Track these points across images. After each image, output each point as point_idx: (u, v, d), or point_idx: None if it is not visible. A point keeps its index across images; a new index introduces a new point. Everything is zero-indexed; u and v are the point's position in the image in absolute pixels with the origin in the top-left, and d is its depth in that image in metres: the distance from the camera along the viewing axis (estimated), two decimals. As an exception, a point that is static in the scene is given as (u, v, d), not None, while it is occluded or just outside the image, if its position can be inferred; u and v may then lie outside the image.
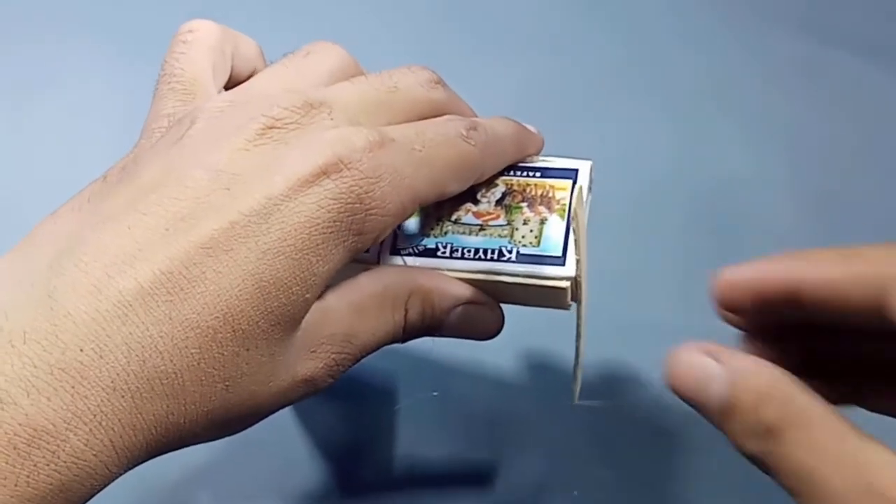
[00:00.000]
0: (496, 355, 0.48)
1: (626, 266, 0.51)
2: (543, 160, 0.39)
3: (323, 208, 0.30)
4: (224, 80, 0.37)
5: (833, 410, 0.27)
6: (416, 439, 0.46)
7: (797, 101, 0.59)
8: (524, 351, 0.48)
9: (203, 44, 0.36)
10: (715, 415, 0.29)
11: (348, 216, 0.31)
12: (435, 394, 0.46)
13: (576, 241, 0.34)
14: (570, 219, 0.33)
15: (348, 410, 0.47)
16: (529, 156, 0.39)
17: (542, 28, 0.62)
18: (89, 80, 0.55)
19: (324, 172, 0.31)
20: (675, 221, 0.53)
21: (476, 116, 0.39)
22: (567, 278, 0.36)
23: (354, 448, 0.46)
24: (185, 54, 0.36)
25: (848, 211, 0.54)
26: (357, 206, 0.31)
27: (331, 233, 0.31)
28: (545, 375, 0.48)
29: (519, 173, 0.39)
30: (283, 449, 0.45)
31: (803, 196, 0.54)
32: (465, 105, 0.39)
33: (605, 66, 0.60)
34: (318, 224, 0.30)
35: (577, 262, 0.35)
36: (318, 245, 0.31)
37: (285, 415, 0.45)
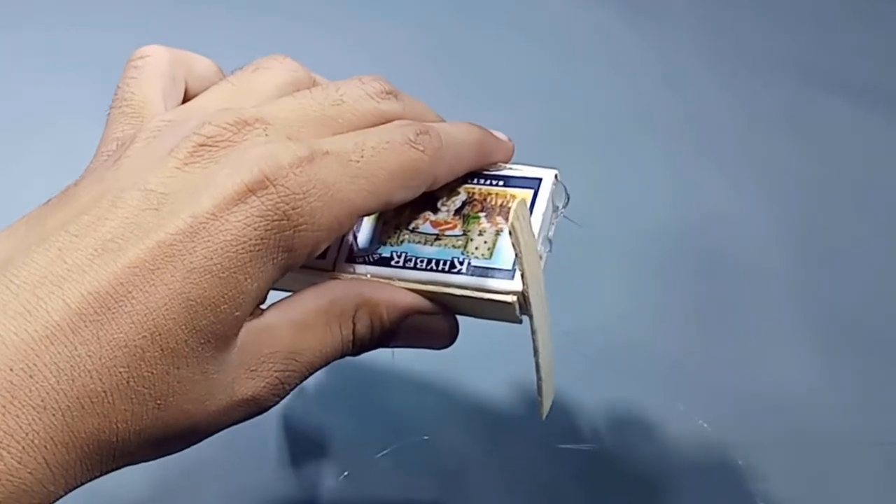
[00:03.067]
0: (490, 397, 0.48)
1: (610, 306, 0.51)
2: (510, 168, 0.39)
3: (249, 226, 0.31)
4: (177, 102, 0.37)
5: None
6: (404, 485, 0.46)
7: (782, 143, 0.59)
8: (519, 393, 0.48)
9: (154, 68, 0.37)
10: None
11: (276, 233, 0.31)
12: (425, 437, 0.47)
13: (517, 254, 0.33)
14: (510, 233, 0.32)
15: (336, 451, 0.47)
16: (496, 163, 0.39)
17: (528, 73, 0.63)
18: (77, 116, 0.56)
19: (250, 190, 0.31)
20: (660, 262, 0.53)
21: (443, 122, 0.39)
22: (514, 292, 0.35)
23: (341, 491, 0.46)
24: (136, 79, 0.36)
25: (832, 252, 0.54)
26: (284, 223, 0.31)
27: (258, 250, 0.31)
28: (539, 418, 0.48)
29: (482, 181, 0.38)
30: (265, 491, 0.46)
31: (787, 237, 0.54)
32: (428, 112, 0.39)
33: (592, 110, 0.61)
34: (245, 242, 0.31)
35: (522, 275, 0.34)
36: (245, 263, 0.31)
37: (266, 458, 0.46)
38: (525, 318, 0.36)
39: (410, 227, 0.37)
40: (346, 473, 0.46)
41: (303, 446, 0.46)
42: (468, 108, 0.58)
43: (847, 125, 0.61)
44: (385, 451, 0.46)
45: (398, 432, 0.47)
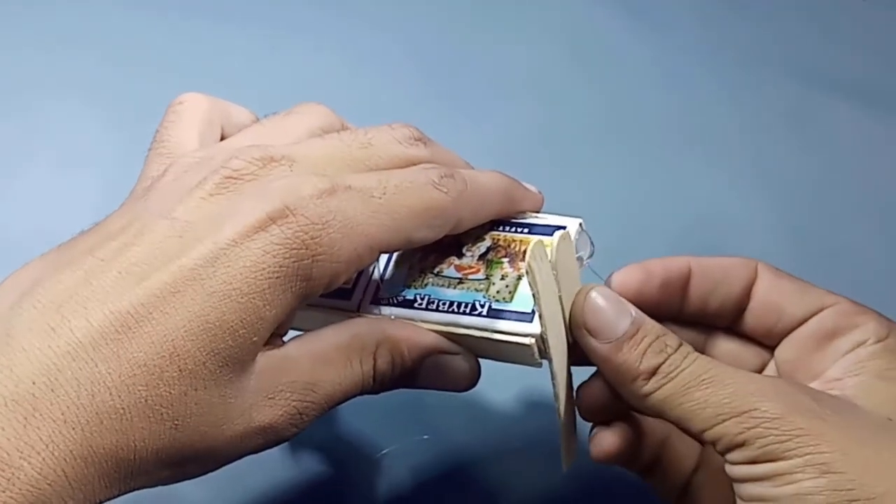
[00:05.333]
0: (490, 397, 0.48)
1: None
2: (535, 217, 0.39)
3: (268, 253, 0.32)
4: (213, 144, 0.39)
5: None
6: (404, 484, 0.46)
7: (781, 144, 0.60)
8: (519, 393, 0.48)
9: (191, 114, 0.38)
10: (623, 338, 0.35)
11: (294, 262, 0.32)
12: (426, 437, 0.47)
13: (534, 294, 0.33)
14: (526, 272, 0.33)
15: (336, 450, 0.47)
16: (523, 212, 0.40)
17: (527, 80, 0.63)
18: (79, 137, 0.58)
19: (271, 219, 0.32)
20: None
21: (471, 169, 0.40)
22: (531, 335, 0.35)
23: (341, 490, 0.46)
24: (175, 123, 0.38)
25: (831, 251, 0.54)
26: (303, 251, 0.32)
27: (277, 278, 0.32)
28: (538, 418, 0.48)
29: (508, 229, 0.39)
30: (267, 490, 0.46)
31: (787, 236, 0.54)
32: (456, 159, 0.39)
33: (590, 112, 0.61)
34: (264, 269, 0.31)
35: (540, 316, 0.34)
36: (264, 290, 0.32)
37: (266, 458, 0.45)
38: (545, 364, 0.36)
39: (435, 271, 0.38)
40: (346, 473, 0.46)
41: (303, 446, 0.46)
42: (468, 109, 0.60)
43: (847, 125, 0.61)
44: (385, 451, 0.46)
45: (398, 432, 0.47)
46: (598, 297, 0.35)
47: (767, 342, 0.39)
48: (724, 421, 0.32)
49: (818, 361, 0.37)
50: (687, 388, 0.33)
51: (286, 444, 0.44)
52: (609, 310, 0.35)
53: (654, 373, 0.34)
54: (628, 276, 0.37)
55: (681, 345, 0.35)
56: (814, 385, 0.36)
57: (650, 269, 0.37)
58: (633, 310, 0.35)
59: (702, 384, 0.33)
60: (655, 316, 0.36)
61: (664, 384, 0.34)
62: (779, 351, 0.38)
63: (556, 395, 0.36)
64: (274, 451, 0.44)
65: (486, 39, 0.65)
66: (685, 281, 0.38)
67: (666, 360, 0.34)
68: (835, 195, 0.58)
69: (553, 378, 0.36)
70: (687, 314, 0.38)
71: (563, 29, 0.66)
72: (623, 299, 0.36)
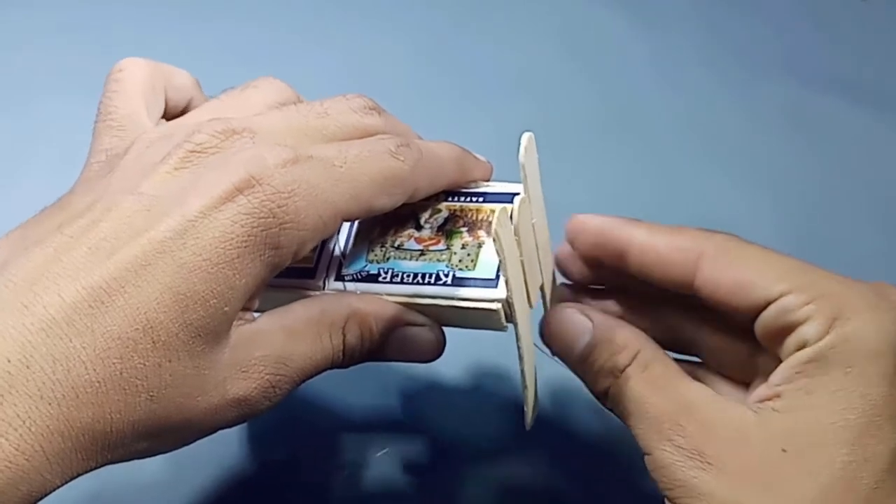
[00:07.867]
0: (484, 396, 0.48)
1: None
2: (487, 185, 0.40)
3: (236, 223, 0.32)
4: (159, 112, 0.39)
5: (667, 358, 0.37)
6: (403, 484, 0.46)
7: (781, 144, 0.60)
8: (515, 394, 0.48)
9: (134, 81, 0.39)
10: (579, 358, 0.38)
11: (262, 230, 0.32)
12: (425, 438, 0.47)
13: (501, 261, 0.34)
14: (494, 240, 0.34)
15: (337, 452, 0.47)
16: (475, 181, 0.40)
17: (527, 78, 0.64)
18: (81, 135, 0.57)
19: (237, 190, 0.32)
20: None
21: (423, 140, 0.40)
22: (498, 300, 0.36)
23: (340, 489, 0.46)
24: (118, 92, 0.38)
25: (831, 251, 0.54)
26: (270, 220, 0.32)
27: (245, 247, 0.32)
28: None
29: (463, 199, 0.40)
30: (265, 493, 0.46)
31: (787, 236, 0.55)
32: (407, 130, 0.40)
33: (589, 111, 0.62)
34: (232, 239, 0.32)
35: (507, 282, 0.35)
36: (233, 259, 0.32)
37: (267, 458, 0.46)
38: (510, 327, 0.37)
39: (396, 245, 0.39)
40: (346, 473, 0.46)
41: (303, 446, 0.47)
42: (467, 108, 0.61)
43: (846, 125, 0.61)
44: (385, 451, 0.46)
45: (397, 432, 0.47)
46: (558, 317, 0.38)
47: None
48: (645, 455, 0.35)
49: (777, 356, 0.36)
50: (624, 413, 0.37)
51: (285, 444, 0.46)
52: (567, 330, 0.38)
53: (605, 394, 0.37)
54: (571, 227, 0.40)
55: (628, 364, 0.36)
56: (761, 389, 0.35)
57: (587, 228, 0.39)
58: (595, 322, 0.38)
59: (629, 416, 0.36)
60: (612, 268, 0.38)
61: (615, 406, 0.37)
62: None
63: (520, 357, 0.37)
64: (273, 451, 0.46)
65: (486, 37, 0.66)
66: (620, 255, 0.38)
67: (610, 386, 0.37)
68: (835, 194, 0.58)
69: (518, 340, 0.37)
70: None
71: (563, 27, 0.67)
72: (584, 315, 0.38)
